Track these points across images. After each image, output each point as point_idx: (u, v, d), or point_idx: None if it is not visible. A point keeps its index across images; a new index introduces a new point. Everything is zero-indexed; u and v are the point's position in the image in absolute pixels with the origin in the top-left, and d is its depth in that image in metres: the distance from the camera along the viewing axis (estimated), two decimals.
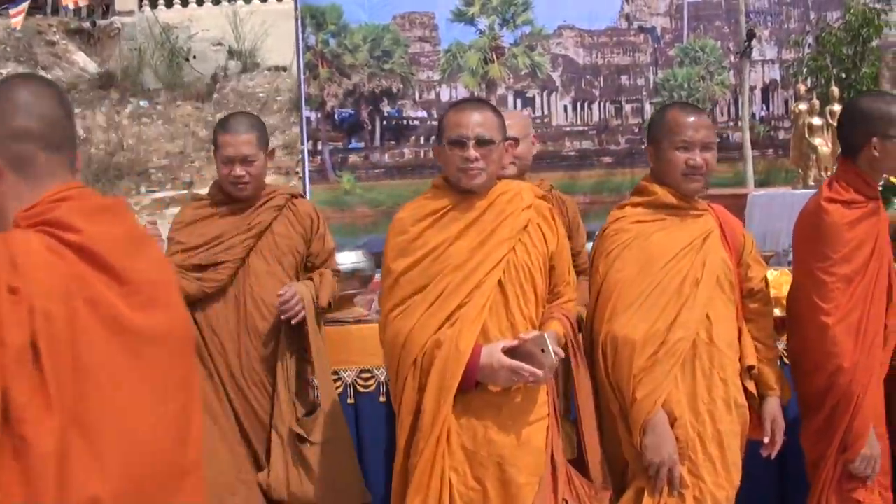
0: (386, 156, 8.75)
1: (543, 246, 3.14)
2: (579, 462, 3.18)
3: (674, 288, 3.14)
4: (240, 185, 3.77)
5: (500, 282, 3.03)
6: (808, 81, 7.74)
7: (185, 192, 12.50)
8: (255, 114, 5.82)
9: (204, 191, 4.21)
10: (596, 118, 8.49)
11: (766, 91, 8.84)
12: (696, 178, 3.25)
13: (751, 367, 3.30)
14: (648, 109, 8.39)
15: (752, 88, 8.41)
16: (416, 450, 2.94)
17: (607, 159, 8.22)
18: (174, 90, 14.63)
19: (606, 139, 8.33)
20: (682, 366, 3.11)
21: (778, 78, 8.68)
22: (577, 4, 8.44)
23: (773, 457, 3.37)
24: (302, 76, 8.77)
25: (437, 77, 8.44)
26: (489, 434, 2.96)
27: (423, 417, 2.93)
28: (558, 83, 8.54)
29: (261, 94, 14.00)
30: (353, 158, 8.84)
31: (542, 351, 2.90)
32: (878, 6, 7.89)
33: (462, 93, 8.46)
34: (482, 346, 2.95)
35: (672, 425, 3.08)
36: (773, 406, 3.34)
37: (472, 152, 3.03)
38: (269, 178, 4.31)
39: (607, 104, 8.39)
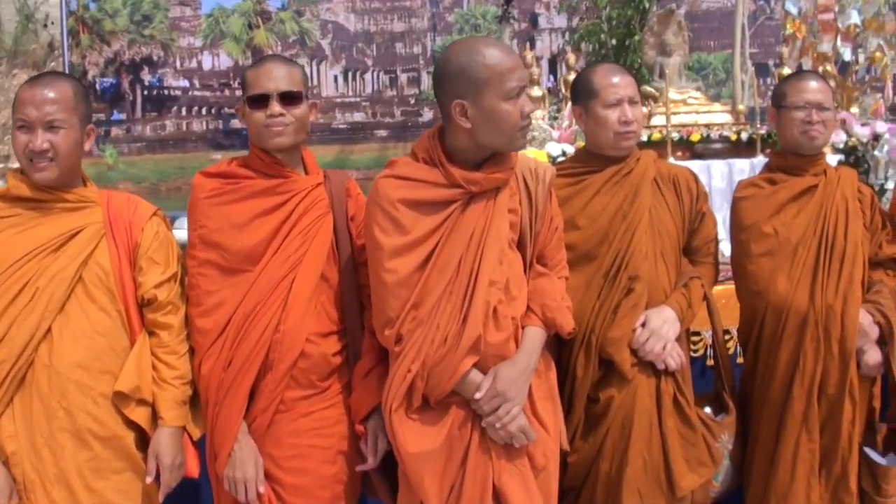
0: (148, 128, 7.78)
1: None
2: None
3: (8, 299, 2.47)
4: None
5: None
6: (590, 48, 6.78)
7: (1, 165, 11.47)
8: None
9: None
10: (369, 89, 7.55)
11: (554, 61, 7.90)
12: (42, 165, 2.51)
13: None
14: (426, 79, 7.44)
15: (538, 58, 7.45)
16: None
17: (382, 132, 7.29)
18: (17, 58, 13.46)
19: (381, 111, 7.38)
20: (22, 392, 2.49)
21: (568, 48, 7.75)
22: None
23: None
24: (65, 43, 7.81)
25: (198, 44, 7.44)
26: None
27: None
28: (328, 51, 7.57)
29: None
30: (115, 131, 7.87)
31: None
32: None
33: (225, 60, 7.49)
34: None
35: (8, 463, 2.47)
36: (157, 438, 2.61)
37: None
38: None
39: (381, 74, 7.45)
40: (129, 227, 2.61)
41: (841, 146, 5.24)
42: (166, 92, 7.64)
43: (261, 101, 2.59)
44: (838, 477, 2.91)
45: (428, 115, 7.05)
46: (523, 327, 2.55)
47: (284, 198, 2.64)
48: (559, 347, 2.86)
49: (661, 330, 2.81)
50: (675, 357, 2.84)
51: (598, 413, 2.84)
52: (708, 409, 3.06)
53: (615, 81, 2.93)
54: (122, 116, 7.87)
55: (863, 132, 5.21)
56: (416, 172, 2.48)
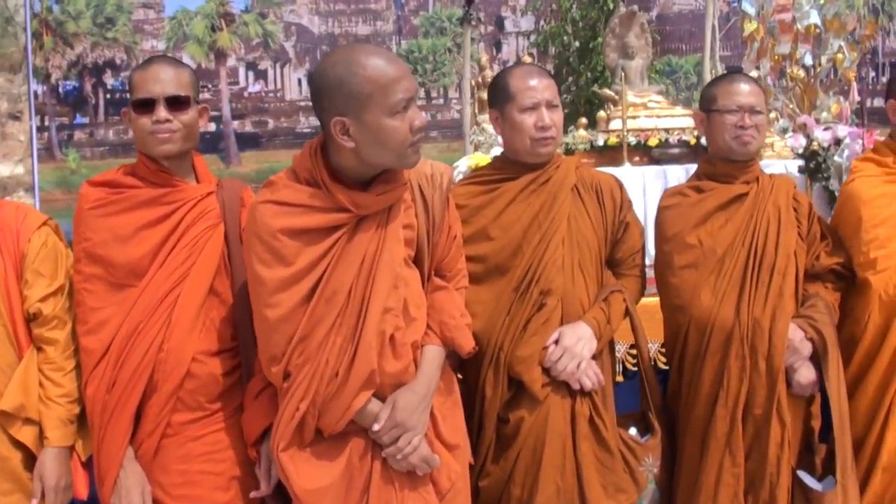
0: (111, 132, 7.59)
1: None
2: None
3: None
4: None
5: None
6: (552, 50, 6.58)
7: None
8: None
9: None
10: None
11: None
12: None
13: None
14: None
15: (504, 62, 7.25)
16: None
17: None
18: None
19: None
20: None
21: (535, 51, 7.55)
22: None
23: None
24: (29, 45, 7.63)
25: (161, 46, 7.25)
26: None
27: None
28: (292, 54, 7.37)
29: None
30: (78, 135, 7.68)
31: None
32: None
33: (188, 63, 7.26)
34: None
35: None
36: (42, 458, 2.51)
37: None
38: None
39: None
40: (16, 238, 2.50)
41: (801, 151, 5.05)
42: (129, 95, 7.42)
43: (146, 105, 2.44)
44: (766, 503, 2.70)
45: None
46: (422, 346, 2.37)
47: (171, 208, 2.48)
48: (467, 361, 2.68)
49: (574, 347, 2.62)
50: (591, 376, 2.65)
51: (509, 435, 2.66)
52: (633, 430, 2.86)
53: (532, 84, 2.74)
54: (85, 120, 7.69)
55: (824, 136, 5.01)
56: (297, 197, 2.21)
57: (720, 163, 2.91)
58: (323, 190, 2.20)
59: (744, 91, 2.87)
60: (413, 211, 2.36)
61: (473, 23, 6.51)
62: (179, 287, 2.43)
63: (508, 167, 2.81)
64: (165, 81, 2.45)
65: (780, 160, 5.77)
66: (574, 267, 2.71)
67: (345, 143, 2.16)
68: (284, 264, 2.18)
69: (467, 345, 2.43)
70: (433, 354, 2.37)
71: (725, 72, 7.89)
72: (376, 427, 2.24)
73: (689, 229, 2.82)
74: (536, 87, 2.73)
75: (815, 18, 5.06)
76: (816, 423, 2.90)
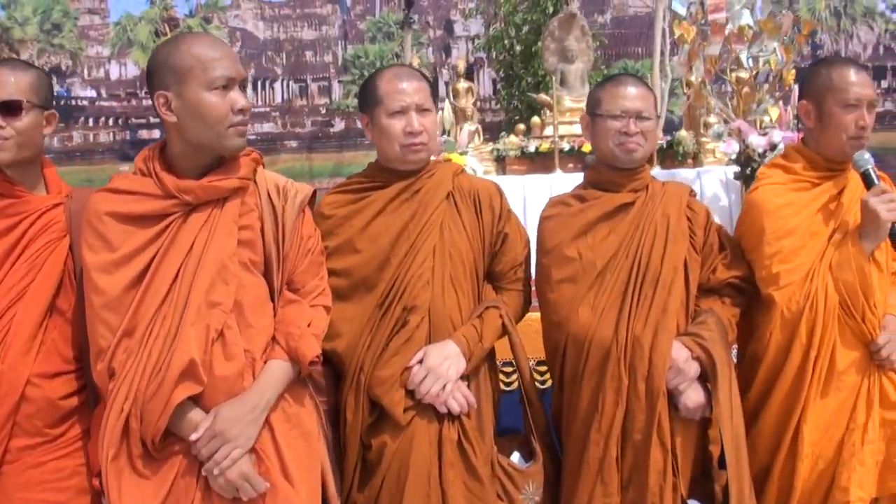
0: (55, 140, 7.36)
1: None
2: None
3: None
4: None
5: None
6: (493, 54, 6.37)
7: None
8: None
9: None
10: (279, 98, 7.11)
11: (471, 69, 7.46)
12: None
13: None
14: (337, 88, 7.00)
15: (453, 66, 7.03)
16: None
17: (293, 143, 6.86)
18: None
19: (291, 121, 6.95)
20: None
21: (484, 56, 7.30)
22: None
23: None
24: None
25: (106, 52, 7.01)
26: None
27: None
28: None
29: None
30: None
31: None
32: None
33: (132, 69, 7.05)
34: None
35: None
36: None
37: None
38: None
39: (291, 83, 7.03)
40: None
41: (734, 156, 4.83)
42: (73, 102, 7.25)
43: None
44: None
45: (340, 125, 6.64)
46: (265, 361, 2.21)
47: (13, 221, 2.36)
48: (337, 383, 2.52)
49: (439, 368, 2.42)
50: (458, 399, 2.45)
51: (373, 462, 2.48)
52: (517, 455, 2.65)
53: (401, 87, 2.55)
54: None
55: (759, 142, 4.79)
56: (128, 185, 2.23)
57: (605, 170, 2.70)
58: (153, 178, 2.20)
59: (630, 95, 2.65)
60: (256, 215, 2.26)
61: (416, 27, 6.30)
62: (17, 305, 2.29)
63: (379, 175, 2.61)
64: None
65: (720, 166, 5.57)
66: (444, 281, 2.51)
67: (168, 117, 2.17)
68: (110, 249, 2.16)
69: (310, 353, 2.24)
70: (274, 368, 2.21)
71: (670, 75, 7.69)
72: (194, 436, 2.10)
73: (569, 241, 2.60)
74: (406, 90, 2.55)
75: (747, 19, 4.84)
76: (715, 449, 2.65)
